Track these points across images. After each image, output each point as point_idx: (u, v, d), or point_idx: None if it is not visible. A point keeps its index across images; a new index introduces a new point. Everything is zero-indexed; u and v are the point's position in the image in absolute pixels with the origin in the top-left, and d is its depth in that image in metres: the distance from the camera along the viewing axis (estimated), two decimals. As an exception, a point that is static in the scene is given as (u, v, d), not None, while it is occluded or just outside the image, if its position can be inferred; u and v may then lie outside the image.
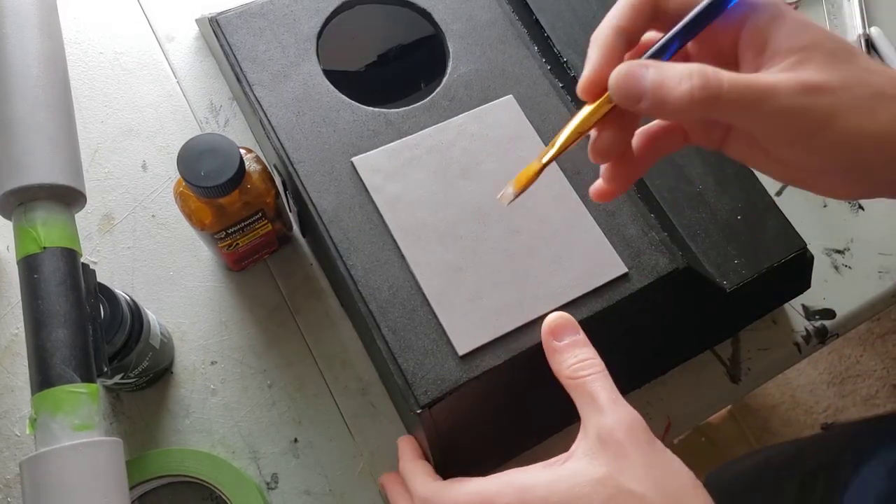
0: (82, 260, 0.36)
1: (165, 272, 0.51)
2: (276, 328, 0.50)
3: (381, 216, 0.41)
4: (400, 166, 0.43)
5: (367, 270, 0.40)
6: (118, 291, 0.41)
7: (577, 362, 0.35)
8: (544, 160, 0.32)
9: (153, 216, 0.52)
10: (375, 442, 0.47)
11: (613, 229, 0.43)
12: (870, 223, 0.55)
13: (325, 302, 0.50)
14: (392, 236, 0.41)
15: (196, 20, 0.56)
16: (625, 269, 0.41)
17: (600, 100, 0.30)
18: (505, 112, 0.45)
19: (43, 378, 0.32)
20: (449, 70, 0.46)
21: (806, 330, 0.52)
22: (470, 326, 0.39)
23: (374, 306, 0.39)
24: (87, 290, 0.35)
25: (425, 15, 0.48)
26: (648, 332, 0.46)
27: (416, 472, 0.40)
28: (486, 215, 0.42)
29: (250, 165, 0.43)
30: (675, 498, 0.32)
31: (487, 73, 0.46)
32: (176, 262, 0.51)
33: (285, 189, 0.46)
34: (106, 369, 0.35)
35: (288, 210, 0.48)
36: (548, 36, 0.49)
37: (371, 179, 0.42)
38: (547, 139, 0.45)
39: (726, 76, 0.27)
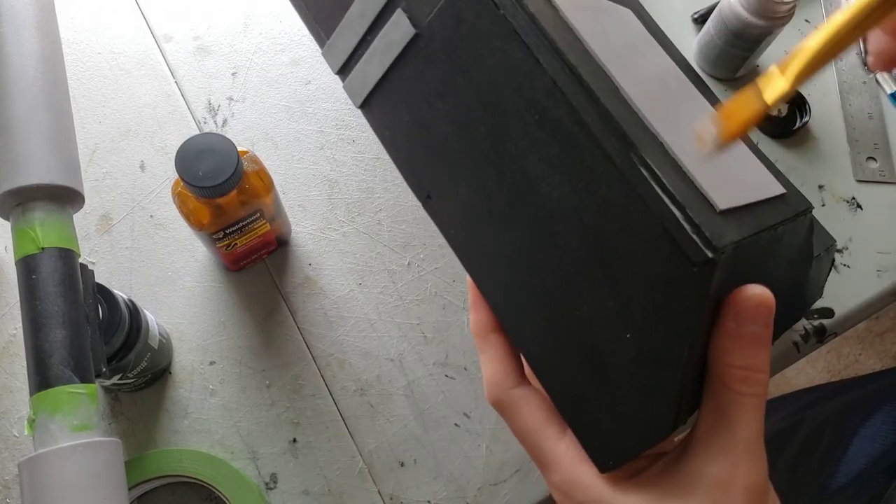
0: (80, 260, 0.36)
1: (164, 272, 0.51)
2: (274, 328, 0.50)
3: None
4: None
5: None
6: (116, 292, 0.41)
7: (746, 370, 0.27)
8: (777, 89, 0.22)
9: (151, 216, 0.52)
10: (374, 442, 0.47)
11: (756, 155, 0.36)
12: (868, 222, 0.55)
13: (324, 302, 0.50)
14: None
15: None
16: (783, 190, 0.34)
17: None
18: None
19: (41, 379, 0.32)
20: None
21: (804, 329, 0.52)
22: (717, 186, 0.29)
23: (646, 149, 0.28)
24: (85, 291, 0.35)
25: None
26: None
27: (487, 352, 0.32)
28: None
29: (248, 165, 0.43)
30: None
31: None
32: (174, 262, 0.51)
33: None
34: (104, 370, 0.35)
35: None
36: None
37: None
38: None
39: None
